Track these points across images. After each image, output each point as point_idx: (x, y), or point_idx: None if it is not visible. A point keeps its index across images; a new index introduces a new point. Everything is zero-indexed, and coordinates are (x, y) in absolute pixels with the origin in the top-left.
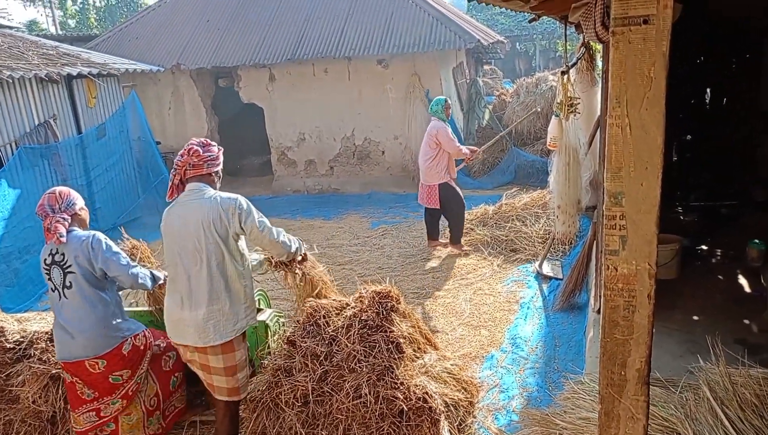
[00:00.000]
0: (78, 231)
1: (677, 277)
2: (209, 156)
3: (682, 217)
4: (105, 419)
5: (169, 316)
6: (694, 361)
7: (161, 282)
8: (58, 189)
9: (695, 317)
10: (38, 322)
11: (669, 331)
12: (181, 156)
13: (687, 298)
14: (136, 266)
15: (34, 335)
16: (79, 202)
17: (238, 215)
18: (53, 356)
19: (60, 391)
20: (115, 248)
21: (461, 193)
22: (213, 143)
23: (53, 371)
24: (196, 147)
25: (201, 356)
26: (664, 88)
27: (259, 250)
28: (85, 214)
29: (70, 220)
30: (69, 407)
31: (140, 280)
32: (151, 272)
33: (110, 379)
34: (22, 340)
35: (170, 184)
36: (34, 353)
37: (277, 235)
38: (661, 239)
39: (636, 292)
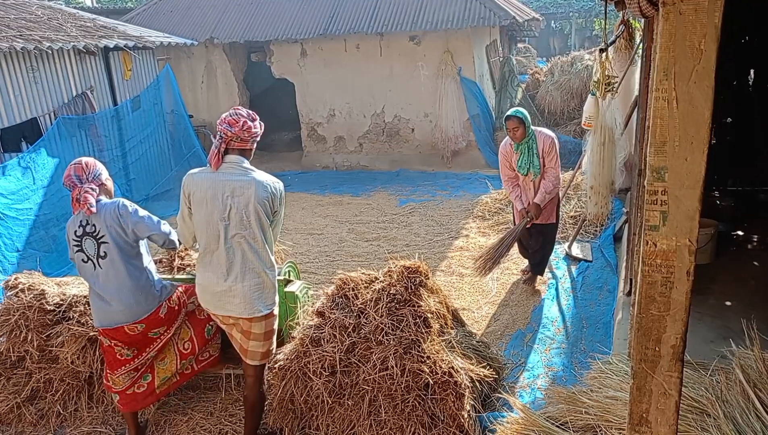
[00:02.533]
0: (105, 200)
1: (711, 262)
2: (256, 132)
3: (718, 202)
4: (141, 371)
5: (210, 289)
6: (726, 346)
7: (179, 248)
8: (83, 159)
9: (728, 303)
10: (77, 286)
11: (700, 316)
12: (230, 126)
13: (721, 283)
14: (166, 223)
15: (73, 298)
16: (104, 172)
17: (279, 202)
18: (91, 319)
19: (97, 353)
20: (142, 211)
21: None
22: (256, 116)
23: (91, 333)
24: (249, 122)
25: (245, 323)
26: (714, 61)
27: None
28: (110, 185)
29: (98, 191)
30: (105, 369)
31: (171, 237)
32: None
33: (149, 335)
34: (61, 302)
35: (216, 152)
36: (73, 316)
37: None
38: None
39: (675, 268)
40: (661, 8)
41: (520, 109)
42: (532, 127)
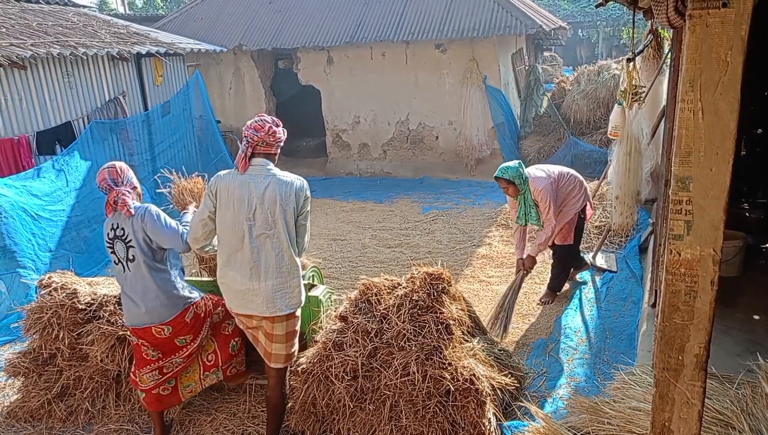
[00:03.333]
0: (136, 204)
1: (739, 274)
2: (280, 138)
3: (747, 214)
4: (167, 375)
5: (233, 287)
6: (753, 360)
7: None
8: (117, 164)
9: (756, 316)
10: (107, 286)
11: (727, 329)
12: (256, 131)
13: (748, 296)
14: (184, 233)
15: (103, 298)
16: (134, 176)
17: (305, 200)
18: (121, 319)
19: (125, 352)
20: (164, 218)
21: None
22: (280, 123)
23: (120, 333)
24: (274, 127)
25: (267, 324)
26: (740, 73)
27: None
28: (140, 189)
29: (132, 194)
30: (134, 367)
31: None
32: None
33: (176, 341)
34: (92, 302)
35: (243, 156)
36: (103, 315)
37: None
38: (723, 235)
39: (699, 277)
40: (687, 21)
41: (509, 165)
42: (529, 173)
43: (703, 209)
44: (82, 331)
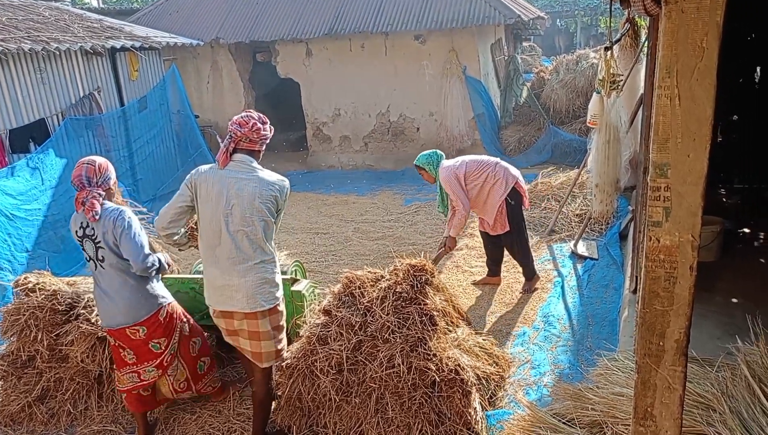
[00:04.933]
0: (108, 205)
1: (718, 259)
2: (265, 135)
3: (724, 200)
4: (144, 383)
5: (214, 283)
6: (732, 343)
7: (166, 272)
8: (97, 160)
9: (734, 300)
10: (86, 285)
11: (706, 313)
12: (240, 126)
13: (726, 281)
14: (150, 254)
15: (82, 298)
16: (114, 175)
17: (284, 198)
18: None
19: (106, 352)
20: (136, 230)
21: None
22: (267, 120)
23: (100, 333)
24: (258, 124)
25: (250, 323)
26: (716, 58)
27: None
28: (116, 189)
29: (104, 196)
30: (114, 367)
31: (149, 270)
32: (159, 260)
33: (150, 346)
34: (71, 302)
35: (225, 150)
36: (82, 313)
37: None
38: (701, 221)
39: (678, 263)
40: (663, 6)
41: (423, 153)
42: (442, 163)
43: (681, 195)
44: (61, 332)
